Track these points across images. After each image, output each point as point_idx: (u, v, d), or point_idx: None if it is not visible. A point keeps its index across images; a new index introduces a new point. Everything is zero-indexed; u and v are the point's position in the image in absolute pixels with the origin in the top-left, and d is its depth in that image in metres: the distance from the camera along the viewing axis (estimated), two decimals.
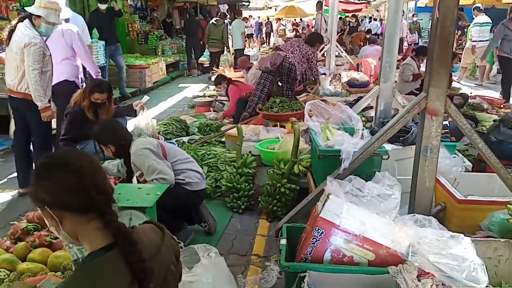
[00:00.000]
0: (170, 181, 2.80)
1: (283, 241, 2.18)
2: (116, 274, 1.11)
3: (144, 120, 4.20)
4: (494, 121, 4.34)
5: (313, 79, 6.33)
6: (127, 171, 3.16)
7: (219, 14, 12.45)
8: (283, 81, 6.02)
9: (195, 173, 3.06)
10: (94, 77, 4.83)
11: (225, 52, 10.96)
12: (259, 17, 22.66)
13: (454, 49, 10.50)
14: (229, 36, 12.22)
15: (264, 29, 24.01)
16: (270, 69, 5.88)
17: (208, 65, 11.36)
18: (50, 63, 3.85)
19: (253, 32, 20.58)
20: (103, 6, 7.83)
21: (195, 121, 6.07)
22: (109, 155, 3.15)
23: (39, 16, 3.71)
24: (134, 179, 3.13)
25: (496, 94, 8.50)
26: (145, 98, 4.56)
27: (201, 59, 11.91)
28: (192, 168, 3.08)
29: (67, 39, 4.48)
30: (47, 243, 2.67)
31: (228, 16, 13.96)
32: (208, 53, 11.30)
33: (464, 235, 2.03)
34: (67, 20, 4.71)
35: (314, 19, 10.82)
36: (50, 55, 3.84)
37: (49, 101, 3.90)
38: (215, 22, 10.90)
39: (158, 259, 1.23)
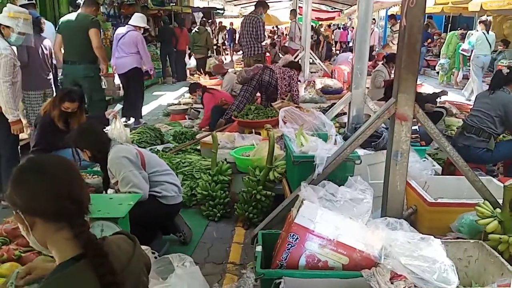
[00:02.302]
0: (143, 195, 2.74)
1: (259, 248, 2.18)
2: (85, 285, 1.09)
3: (117, 129, 4.14)
4: (457, 128, 4.47)
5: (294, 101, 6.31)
6: (103, 176, 3.09)
7: (200, 22, 12.97)
8: (261, 93, 6.14)
9: (172, 186, 3.01)
10: (150, 72, 6.86)
11: (212, 56, 11.66)
12: (231, 24, 22.55)
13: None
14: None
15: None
16: (245, 76, 5.92)
17: (194, 71, 11.71)
18: (20, 74, 3.75)
19: (226, 41, 20.56)
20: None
21: (170, 129, 6.01)
22: (86, 160, 3.09)
23: (8, 26, 3.62)
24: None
25: (463, 99, 8.78)
26: (118, 106, 4.50)
27: (189, 66, 12.49)
28: (170, 181, 3.01)
29: (133, 40, 6.44)
30: (15, 257, 2.57)
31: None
32: (195, 60, 11.95)
33: (435, 237, 2.08)
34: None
35: (289, 27, 11.00)
36: (20, 65, 3.75)
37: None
38: (198, 30, 11.67)
39: (129, 270, 1.21)
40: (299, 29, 10.17)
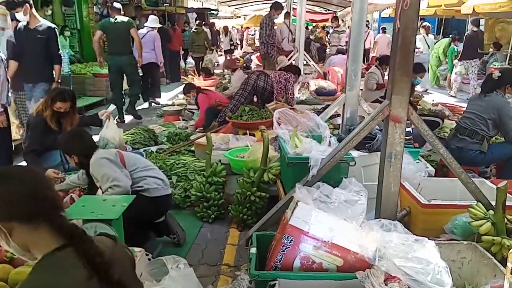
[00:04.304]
0: (124, 187, 2.74)
1: (253, 250, 2.18)
2: (73, 268, 1.13)
3: (110, 130, 4.12)
4: (451, 130, 4.50)
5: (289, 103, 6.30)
6: (88, 182, 3.09)
7: (197, 23, 13.47)
8: (257, 97, 6.16)
9: (155, 179, 3.00)
10: (160, 65, 8.40)
11: (208, 54, 12.12)
12: (213, 24, 22.39)
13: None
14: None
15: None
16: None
17: (193, 70, 12.33)
18: (3, 69, 3.71)
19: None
20: (20, 17, 4.77)
21: (164, 130, 5.99)
22: (73, 165, 3.08)
23: None
24: (99, 192, 3.06)
25: (456, 101, 8.85)
26: (112, 107, 4.47)
27: (188, 66, 13.21)
28: (152, 175, 3.02)
29: (152, 39, 8.00)
30: (7, 259, 2.55)
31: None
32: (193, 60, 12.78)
33: (429, 239, 2.08)
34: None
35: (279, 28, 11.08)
36: (2, 60, 3.71)
37: (3, 107, 3.76)
38: (196, 30, 12.19)
39: (114, 257, 1.25)
40: (290, 30, 10.21)
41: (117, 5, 6.86)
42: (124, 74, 7.06)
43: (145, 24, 8.15)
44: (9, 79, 3.96)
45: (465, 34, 10.13)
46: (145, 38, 7.89)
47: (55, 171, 3.56)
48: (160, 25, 8.55)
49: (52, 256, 1.15)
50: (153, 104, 8.57)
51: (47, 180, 1.29)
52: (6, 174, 1.22)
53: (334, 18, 13.06)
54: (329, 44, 12.43)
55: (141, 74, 7.61)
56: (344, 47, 11.71)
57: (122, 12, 6.99)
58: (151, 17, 8.44)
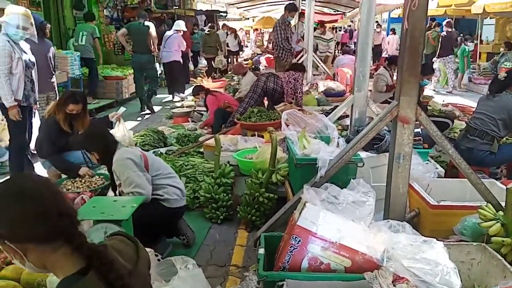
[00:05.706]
0: (147, 195, 2.75)
1: (261, 251, 2.19)
2: None
3: (120, 131, 4.16)
4: (461, 130, 4.46)
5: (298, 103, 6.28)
6: (110, 178, 3.12)
7: (209, 25, 13.88)
8: (268, 99, 6.18)
9: (175, 189, 3.02)
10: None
11: (219, 55, 12.73)
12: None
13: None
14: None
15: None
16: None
17: (205, 70, 12.90)
18: (21, 66, 3.88)
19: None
20: None
21: (173, 132, 6.03)
22: (95, 162, 3.13)
23: None
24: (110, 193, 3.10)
25: (466, 101, 8.77)
26: (122, 109, 4.52)
27: (201, 65, 13.98)
28: (173, 184, 3.03)
29: (176, 40, 8.99)
30: None
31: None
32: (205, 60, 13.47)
33: (438, 240, 2.08)
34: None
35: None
36: (20, 58, 3.88)
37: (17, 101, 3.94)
38: (208, 32, 12.82)
39: (135, 273, 1.19)
40: (296, 31, 10.21)
41: (144, 13, 8.39)
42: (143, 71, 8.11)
43: (173, 28, 9.27)
44: (35, 80, 4.17)
45: (441, 34, 11.40)
46: (170, 39, 8.93)
47: (87, 169, 3.72)
48: (185, 29, 9.71)
49: (76, 280, 1.06)
50: (176, 97, 9.38)
51: (61, 192, 1.19)
52: (18, 188, 1.09)
53: (320, 25, 12.56)
54: (318, 51, 12.02)
55: (161, 71, 9.02)
56: (349, 49, 11.69)
57: (147, 18, 8.33)
58: (178, 21, 9.62)
